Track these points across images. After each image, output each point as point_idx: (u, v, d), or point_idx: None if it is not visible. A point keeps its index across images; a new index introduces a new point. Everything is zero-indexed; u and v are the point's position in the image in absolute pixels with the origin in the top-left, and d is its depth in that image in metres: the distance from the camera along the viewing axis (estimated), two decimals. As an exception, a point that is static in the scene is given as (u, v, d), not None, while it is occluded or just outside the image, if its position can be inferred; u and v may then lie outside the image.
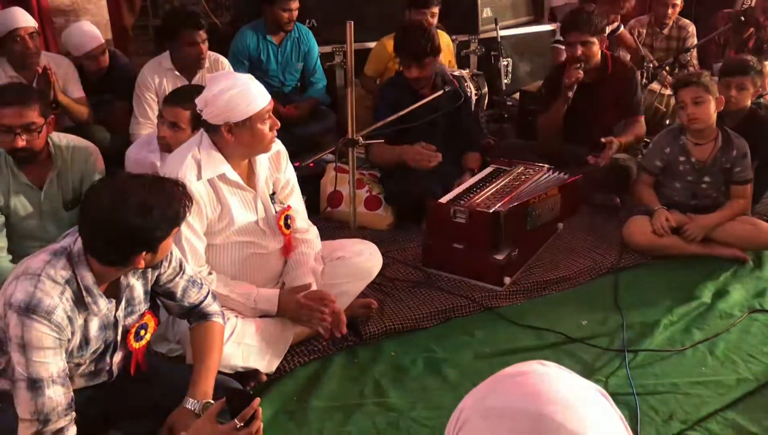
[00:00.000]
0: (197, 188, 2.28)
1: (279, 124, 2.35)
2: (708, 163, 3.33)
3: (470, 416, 0.85)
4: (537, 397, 0.82)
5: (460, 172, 3.61)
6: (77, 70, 3.83)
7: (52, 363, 1.70)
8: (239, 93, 2.22)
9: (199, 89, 2.82)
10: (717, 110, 3.27)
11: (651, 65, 4.82)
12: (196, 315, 2.10)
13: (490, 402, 0.84)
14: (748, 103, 3.48)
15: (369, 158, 3.77)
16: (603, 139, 3.53)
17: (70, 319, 1.74)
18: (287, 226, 2.55)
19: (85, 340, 1.83)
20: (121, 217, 1.68)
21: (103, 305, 1.81)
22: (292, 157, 2.66)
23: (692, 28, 5.22)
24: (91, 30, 3.87)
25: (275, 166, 2.54)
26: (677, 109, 3.36)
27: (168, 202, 1.75)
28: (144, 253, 1.76)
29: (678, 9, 5.14)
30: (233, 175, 2.36)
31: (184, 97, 2.75)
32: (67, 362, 1.78)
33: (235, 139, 2.28)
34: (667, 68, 4.71)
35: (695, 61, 5.15)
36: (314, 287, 2.52)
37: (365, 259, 2.74)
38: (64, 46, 3.97)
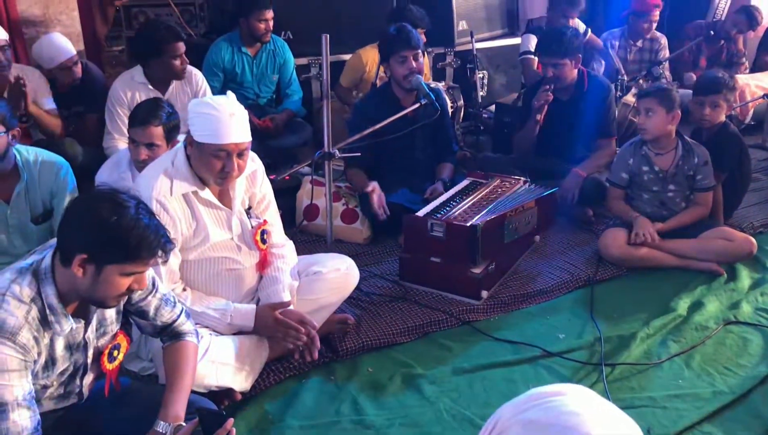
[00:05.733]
0: (172, 204, 2.25)
1: (236, 172, 2.30)
2: (671, 172, 3.38)
3: (509, 426, 0.93)
4: (577, 417, 0.90)
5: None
6: (48, 83, 3.77)
7: (17, 386, 1.64)
8: (209, 118, 2.21)
9: (158, 102, 2.81)
10: (672, 124, 3.33)
11: (624, 78, 4.87)
12: (169, 334, 2.05)
13: (531, 415, 0.92)
14: (723, 118, 3.54)
15: (346, 173, 3.74)
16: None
17: (36, 339, 1.69)
18: (263, 241, 2.52)
19: (51, 361, 1.77)
20: (98, 209, 1.65)
21: (67, 325, 1.75)
22: (268, 170, 2.63)
23: (664, 41, 5.30)
24: (62, 42, 3.80)
25: (251, 181, 2.51)
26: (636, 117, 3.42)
27: (154, 233, 1.69)
28: (85, 255, 1.65)
29: (655, 24, 5.21)
30: (206, 194, 2.34)
31: (151, 114, 2.73)
32: (33, 384, 1.72)
33: (192, 155, 2.29)
34: (641, 81, 4.76)
35: (668, 73, 5.22)
36: (292, 306, 2.49)
37: (342, 273, 2.71)
38: (34, 58, 3.90)
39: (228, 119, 2.22)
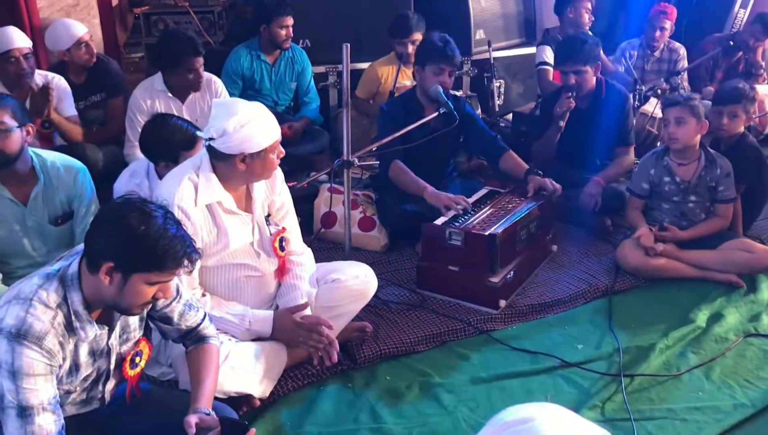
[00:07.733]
0: (195, 211, 2.26)
1: (284, 152, 2.39)
2: (693, 183, 3.37)
3: None
4: None
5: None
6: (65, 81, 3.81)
7: (42, 390, 1.66)
8: (257, 125, 2.25)
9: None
10: (700, 134, 3.33)
11: (642, 88, 4.85)
12: (193, 338, 2.07)
13: None
14: (741, 129, 3.53)
15: (389, 174, 3.62)
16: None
17: (61, 344, 1.70)
18: (282, 249, 2.53)
19: (75, 366, 1.79)
20: (126, 218, 1.66)
21: (91, 332, 1.77)
22: (286, 177, 2.64)
23: (683, 51, 5.27)
24: (74, 21, 3.89)
25: (271, 188, 2.53)
26: (663, 127, 3.41)
27: (180, 243, 1.70)
28: (112, 263, 1.67)
29: (667, 33, 5.18)
30: (230, 204, 2.35)
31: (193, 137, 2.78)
32: (57, 389, 1.74)
33: (247, 169, 2.30)
34: (660, 90, 4.74)
35: (686, 84, 5.19)
36: (309, 310, 2.50)
37: (360, 281, 2.71)
38: (49, 46, 3.93)
39: (268, 113, 2.33)
